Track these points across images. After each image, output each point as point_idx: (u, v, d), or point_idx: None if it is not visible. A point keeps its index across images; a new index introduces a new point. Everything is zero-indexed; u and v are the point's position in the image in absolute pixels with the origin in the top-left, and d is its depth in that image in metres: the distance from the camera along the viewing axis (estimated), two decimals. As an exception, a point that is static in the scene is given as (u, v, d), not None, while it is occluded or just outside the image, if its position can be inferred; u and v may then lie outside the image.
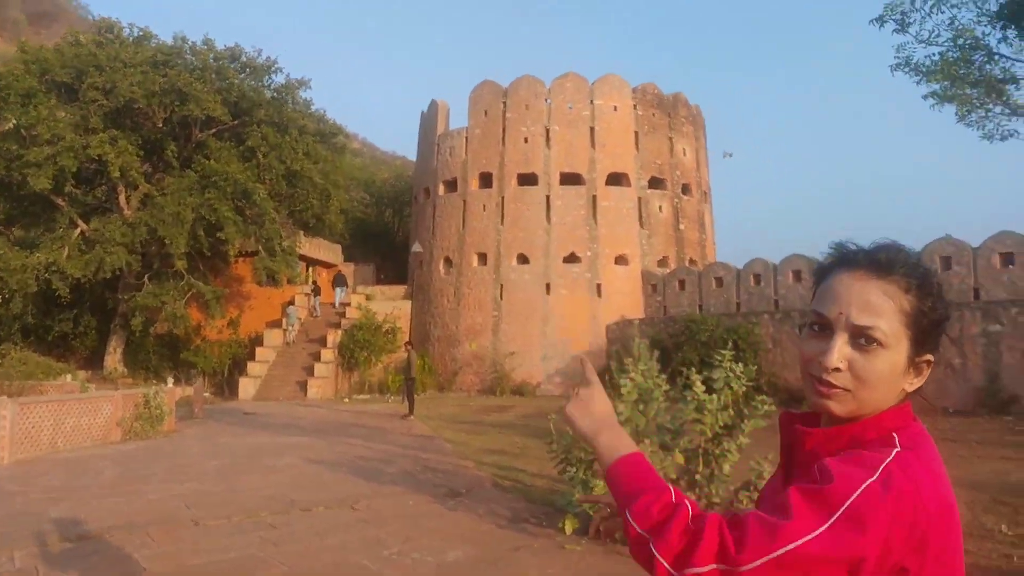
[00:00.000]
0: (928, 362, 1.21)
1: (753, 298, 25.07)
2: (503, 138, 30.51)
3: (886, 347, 1.17)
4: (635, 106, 30.78)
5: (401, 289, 34.08)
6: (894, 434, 1.17)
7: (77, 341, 29.82)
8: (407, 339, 28.09)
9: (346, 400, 25.54)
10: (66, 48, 26.33)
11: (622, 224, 29.31)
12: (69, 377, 22.05)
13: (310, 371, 26.85)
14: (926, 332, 1.19)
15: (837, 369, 1.18)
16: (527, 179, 30.16)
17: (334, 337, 27.84)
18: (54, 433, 12.24)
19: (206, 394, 23.28)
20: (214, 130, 27.04)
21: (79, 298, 27.18)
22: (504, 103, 30.81)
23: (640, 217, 29.61)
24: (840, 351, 1.18)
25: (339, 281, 32.25)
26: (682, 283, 27.44)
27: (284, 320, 29.59)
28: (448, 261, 31.53)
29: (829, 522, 1.03)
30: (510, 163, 30.22)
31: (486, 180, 30.85)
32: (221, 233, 24.88)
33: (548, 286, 28.62)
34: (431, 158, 33.19)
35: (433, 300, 31.41)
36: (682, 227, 31.00)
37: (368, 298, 31.93)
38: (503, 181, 30.24)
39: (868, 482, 1.06)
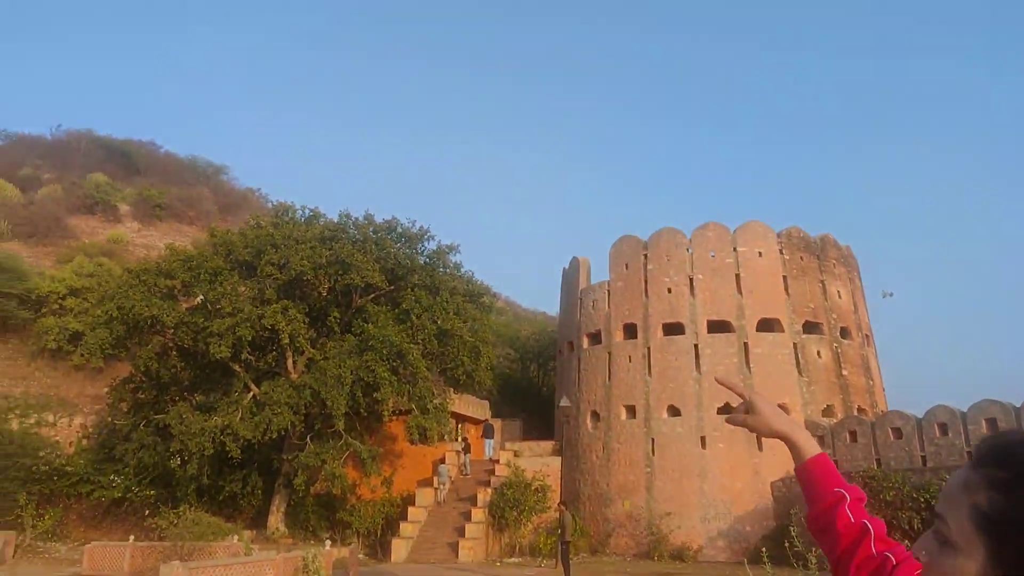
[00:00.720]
0: None
1: (941, 451, 22.43)
2: (645, 289, 30.47)
3: (955, 549, 0.95)
4: (781, 250, 30.04)
5: (549, 445, 33.52)
6: None
7: (245, 500, 31.19)
8: (559, 498, 27.18)
9: (498, 564, 24.68)
10: (248, 231, 29.71)
11: (778, 371, 27.78)
12: (236, 538, 22.86)
13: (461, 532, 26.38)
14: (1011, 544, 0.90)
15: (919, 558, 1.05)
16: (673, 328, 29.62)
17: (484, 496, 27.46)
18: (219, 600, 12.46)
19: (360, 555, 23.29)
20: (372, 295, 28.94)
21: (248, 458, 28.70)
22: (645, 255, 31.04)
23: (797, 363, 28.00)
24: (921, 542, 1.03)
25: (488, 432, 32.26)
26: (853, 434, 25.17)
27: (435, 479, 29.67)
28: (595, 415, 30.89)
29: None
30: (654, 313, 29.93)
31: (630, 331, 30.61)
32: (377, 393, 25.88)
33: (703, 439, 27.18)
34: (574, 312, 33.55)
35: (582, 456, 30.57)
36: (845, 373, 28.91)
37: (516, 454, 31.57)
38: (648, 332, 29.85)
39: None
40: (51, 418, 33.56)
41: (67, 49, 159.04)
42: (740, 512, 25.78)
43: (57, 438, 33.46)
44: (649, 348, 29.54)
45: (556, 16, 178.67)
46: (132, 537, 25.05)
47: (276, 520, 29.17)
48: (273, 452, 29.77)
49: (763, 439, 26.23)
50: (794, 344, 28.27)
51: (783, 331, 28.49)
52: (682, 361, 28.65)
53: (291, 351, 28.24)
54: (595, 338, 31.91)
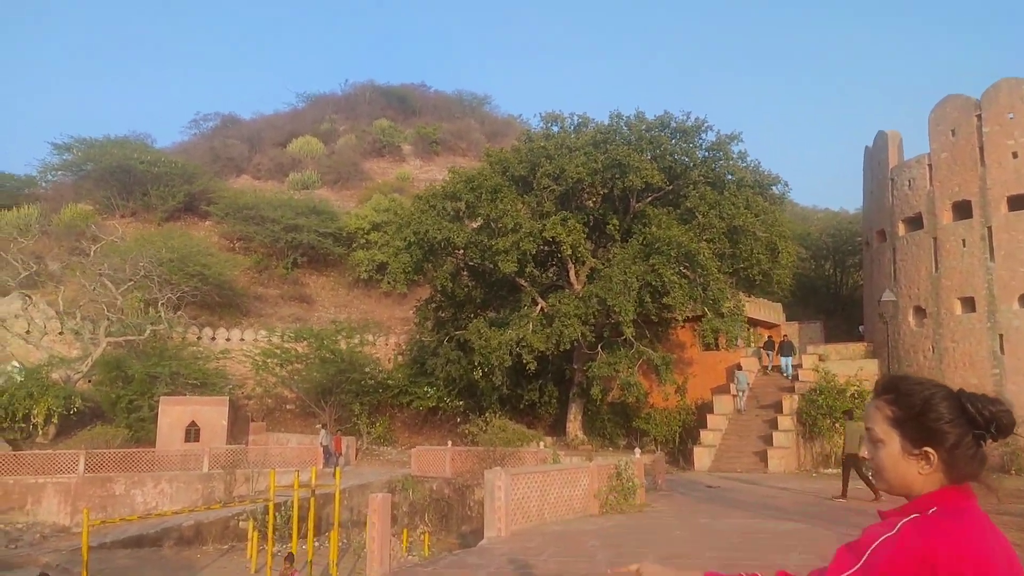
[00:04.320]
0: (928, 452, 1.65)
1: None
2: (981, 158, 25.16)
3: (883, 442, 1.72)
4: None
5: (860, 347, 29.92)
6: (915, 515, 1.61)
7: (542, 409, 32.35)
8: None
9: (813, 475, 22.58)
10: (521, 146, 29.64)
11: None
12: (541, 444, 23.53)
13: (767, 440, 24.58)
14: (913, 430, 1.67)
15: (865, 457, 1.81)
16: (1021, 202, 24.19)
17: (790, 403, 25.22)
18: (541, 504, 12.32)
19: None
20: (650, 198, 27.44)
21: (543, 369, 29.41)
22: (978, 116, 25.48)
23: None
24: (865, 446, 1.81)
25: (785, 349, 29.14)
26: None
27: (732, 386, 27.97)
28: (919, 311, 26.71)
29: (858, 564, 1.58)
30: (995, 185, 24.66)
31: (962, 210, 25.65)
32: (667, 298, 24.64)
33: (1073, 332, 22.06)
34: (883, 196, 29.01)
35: (904, 358, 26.76)
36: None
37: (822, 359, 28.60)
38: (987, 208, 24.75)
39: (884, 536, 1.58)
40: (370, 338, 37.49)
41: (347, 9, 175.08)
42: None
43: (377, 356, 37.41)
44: (990, 228, 24.51)
45: None
46: (449, 442, 27.11)
47: (574, 428, 29.77)
48: (565, 363, 30.20)
49: None
50: None
51: None
52: (1037, 240, 23.36)
53: (572, 262, 28.00)
54: (914, 223, 27.32)
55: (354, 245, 46.09)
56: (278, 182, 59.85)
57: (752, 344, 31.83)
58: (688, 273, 25.05)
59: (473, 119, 77.45)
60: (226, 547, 22.01)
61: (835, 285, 43.87)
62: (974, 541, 1.51)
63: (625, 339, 26.33)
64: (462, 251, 28.44)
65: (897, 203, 27.97)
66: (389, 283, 32.01)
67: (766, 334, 33.54)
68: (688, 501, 15.91)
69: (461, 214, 28.41)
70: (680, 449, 27.98)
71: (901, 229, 27.83)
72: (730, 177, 26.90)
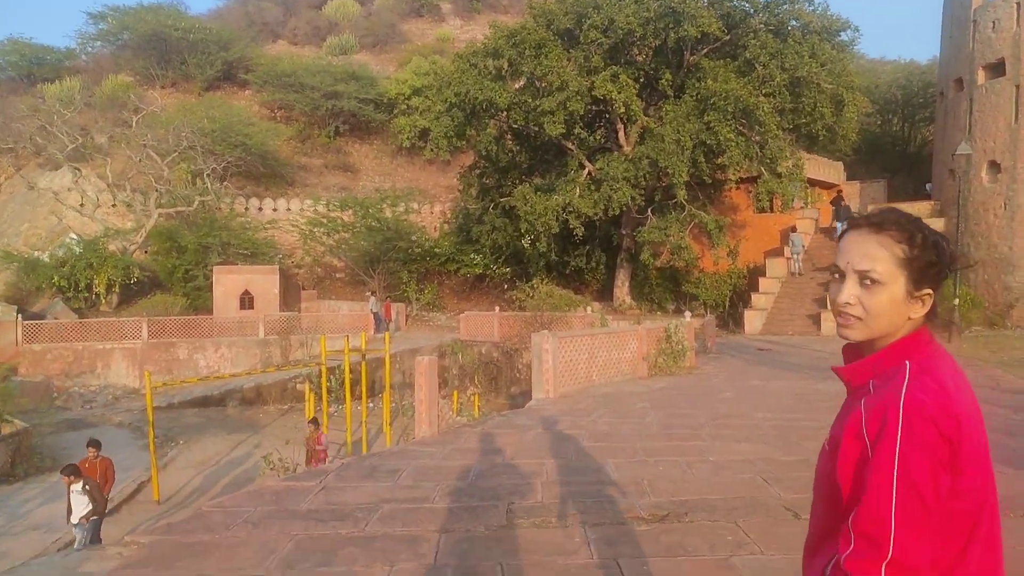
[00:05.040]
0: (928, 295, 1.51)
1: None
2: (1080, -9, 22.49)
3: (884, 284, 1.49)
4: None
5: (927, 205, 28.43)
6: (907, 362, 1.47)
7: (589, 275, 32.11)
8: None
9: (868, 338, 22.08)
10: (567, -4, 27.63)
11: None
12: (590, 309, 23.39)
13: (821, 303, 23.98)
14: (920, 271, 1.49)
15: (849, 303, 1.52)
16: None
17: (847, 265, 24.35)
18: (589, 367, 12.19)
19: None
20: (706, 50, 25.57)
21: (590, 235, 28.87)
22: (1081, -58, 22.58)
23: None
24: (849, 291, 1.52)
25: (839, 214, 27.55)
26: None
27: (787, 248, 27.11)
28: (994, 165, 25.01)
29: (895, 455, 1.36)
30: (1093, 24, 22.16)
31: (1053, 54, 23.30)
32: (722, 157, 23.45)
33: None
34: (964, 41, 26.50)
35: (973, 216, 25.38)
36: None
37: (885, 218, 27.29)
38: (1081, 50, 22.39)
39: (901, 403, 1.38)
40: (415, 206, 37.23)
41: None
42: None
43: (423, 224, 37.28)
44: (1083, 72, 22.30)
45: None
46: (497, 308, 27.24)
47: (622, 293, 29.53)
48: (613, 228, 29.54)
49: None
50: None
51: None
52: None
53: (623, 122, 26.68)
54: (996, 69, 25.04)
55: (395, 111, 44.95)
56: (315, 47, 58.04)
57: (809, 204, 30.56)
58: (745, 131, 23.64)
59: (516, -28, 72.90)
60: (286, 407, 22.98)
61: (902, 142, 41.34)
62: (959, 388, 1.45)
63: (677, 202, 25.43)
64: (505, 113, 27.29)
65: (979, 47, 25.54)
66: (432, 151, 31.27)
67: (824, 194, 32.11)
68: (739, 363, 15.68)
69: (504, 73, 27.06)
70: (731, 313, 27.65)
71: (981, 77, 25.58)
72: (794, 23, 24.73)
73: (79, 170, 35.21)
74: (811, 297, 24.84)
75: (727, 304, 28.35)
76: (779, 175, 24.26)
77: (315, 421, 14.34)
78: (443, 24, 64.41)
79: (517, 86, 27.72)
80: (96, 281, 29.45)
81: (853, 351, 1.62)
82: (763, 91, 23.53)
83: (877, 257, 1.49)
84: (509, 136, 30.80)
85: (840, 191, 32.28)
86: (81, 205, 34.34)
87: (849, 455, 1.44)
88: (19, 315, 26.02)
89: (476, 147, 30.74)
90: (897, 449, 1.34)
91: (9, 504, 14.12)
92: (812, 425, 7.99)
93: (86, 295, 29.83)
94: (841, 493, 1.46)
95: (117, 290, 30.48)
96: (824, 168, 32.45)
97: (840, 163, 34.06)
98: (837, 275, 1.56)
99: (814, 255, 27.33)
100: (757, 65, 23.57)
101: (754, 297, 26.02)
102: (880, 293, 1.48)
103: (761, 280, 26.76)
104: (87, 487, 9.92)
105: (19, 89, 45.87)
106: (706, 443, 7.40)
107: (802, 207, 29.77)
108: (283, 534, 4.68)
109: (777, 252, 28.49)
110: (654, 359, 13.57)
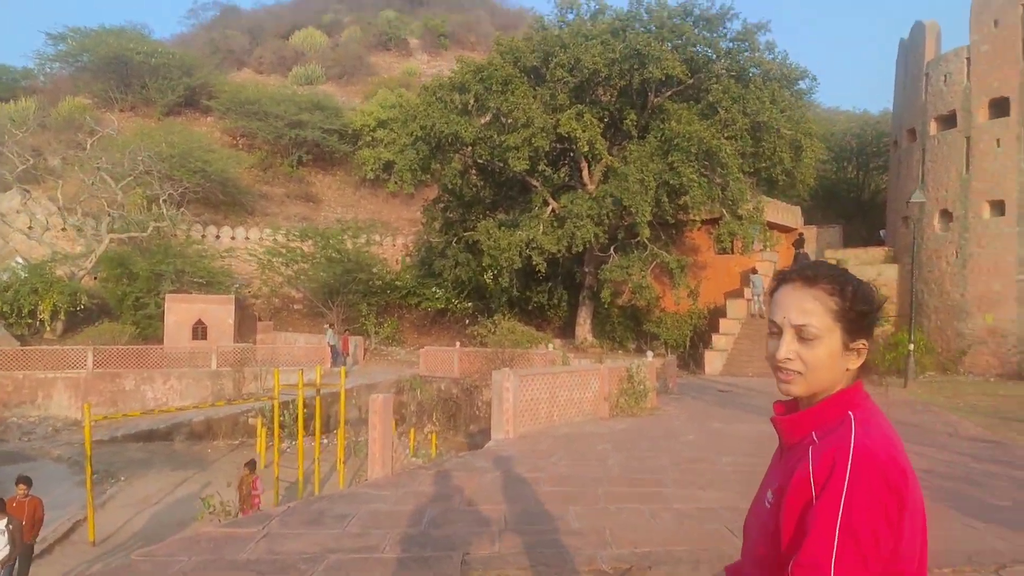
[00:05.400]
0: (863, 346, 1.51)
1: None
2: (1024, 51, 23.47)
3: (821, 338, 1.47)
4: None
5: (880, 251, 29.07)
6: (850, 413, 1.46)
7: (552, 312, 31.98)
8: (895, 311, 23.52)
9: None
10: (533, 35, 27.94)
11: None
12: (551, 346, 23.17)
13: (780, 345, 24.17)
14: (853, 323, 1.48)
15: (789, 359, 1.50)
16: (1066, 98, 22.72)
17: (806, 308, 24.64)
18: (550, 406, 11.92)
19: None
20: (670, 92, 25.97)
21: (553, 272, 28.83)
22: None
23: None
24: (788, 346, 1.50)
25: (800, 260, 28.21)
26: None
27: (747, 290, 27.37)
28: (946, 214, 25.68)
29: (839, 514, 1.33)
30: (1038, 81, 23.08)
31: (999, 108, 24.19)
32: (685, 198, 23.65)
33: (1109, 239, 21.12)
34: (917, 92, 27.40)
35: (926, 263, 25.95)
36: None
37: (839, 264, 27.78)
38: (1027, 106, 23.27)
39: (849, 460, 1.35)
40: (377, 238, 36.83)
41: None
42: None
43: (385, 256, 36.86)
44: (1029, 127, 23.14)
45: None
46: (458, 343, 26.87)
47: (584, 330, 29.43)
48: (576, 265, 29.55)
49: None
50: None
51: None
52: (1078, 140, 22.04)
53: (587, 160, 26.85)
54: (947, 121, 25.87)
55: (360, 143, 44.78)
56: (281, 76, 57.84)
57: (768, 247, 31.02)
58: (707, 172, 23.95)
59: (483, 10, 73.99)
60: (236, 442, 22.17)
61: (857, 188, 42.47)
62: (895, 440, 1.45)
63: (639, 241, 25.55)
64: (471, 148, 27.28)
65: (931, 99, 26.42)
66: (395, 183, 31.11)
67: (783, 238, 32.63)
68: (700, 404, 15.57)
69: (470, 108, 27.12)
70: (691, 353, 27.68)
71: (933, 128, 26.41)
72: (755, 70, 25.33)
73: (28, 192, 34.13)
74: (770, 338, 25.00)
75: (688, 344, 28.41)
76: (740, 217, 24.59)
77: (251, 464, 13.61)
78: (410, 58, 64.81)
79: (483, 121, 27.78)
80: (41, 307, 28.31)
81: (787, 404, 1.61)
82: (725, 134, 23.93)
83: (812, 311, 1.48)
84: (474, 171, 30.79)
85: (801, 234, 32.85)
86: (29, 228, 33.21)
87: (794, 504, 1.41)
88: (-45, 341, 24.82)
89: (440, 181, 30.63)
90: (843, 497, 1.31)
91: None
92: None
93: (29, 321, 28.63)
94: (781, 542, 1.41)
95: (63, 317, 29.34)
96: (783, 212, 33.04)
97: (798, 207, 34.75)
98: (775, 330, 1.54)
99: (773, 297, 27.61)
100: (720, 109, 23.99)
101: (715, 338, 26.12)
102: (818, 347, 1.48)
103: (722, 321, 26.91)
104: (10, 526, 9.26)
105: (-29, 108, 44.58)
106: (670, 489, 7.18)
107: (761, 249, 30.21)
108: (216, 590, 4.29)
109: (737, 293, 28.75)
110: (616, 399, 13.37)
